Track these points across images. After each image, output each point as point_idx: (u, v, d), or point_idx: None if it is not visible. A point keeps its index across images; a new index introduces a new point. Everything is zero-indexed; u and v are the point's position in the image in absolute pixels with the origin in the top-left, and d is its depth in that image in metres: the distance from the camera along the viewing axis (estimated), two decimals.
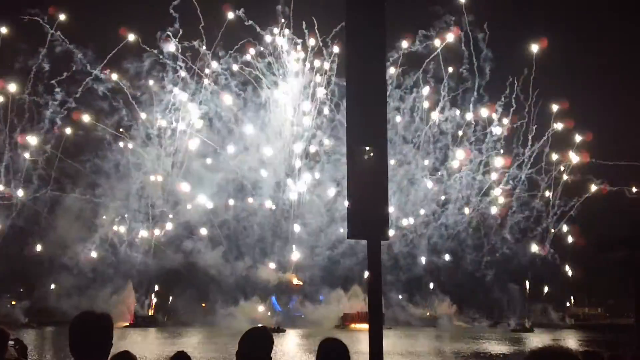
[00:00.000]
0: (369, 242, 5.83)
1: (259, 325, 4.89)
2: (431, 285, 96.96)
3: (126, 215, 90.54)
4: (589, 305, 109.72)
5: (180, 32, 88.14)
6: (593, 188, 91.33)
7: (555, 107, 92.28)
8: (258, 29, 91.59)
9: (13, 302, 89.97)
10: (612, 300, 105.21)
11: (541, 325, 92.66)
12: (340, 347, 4.67)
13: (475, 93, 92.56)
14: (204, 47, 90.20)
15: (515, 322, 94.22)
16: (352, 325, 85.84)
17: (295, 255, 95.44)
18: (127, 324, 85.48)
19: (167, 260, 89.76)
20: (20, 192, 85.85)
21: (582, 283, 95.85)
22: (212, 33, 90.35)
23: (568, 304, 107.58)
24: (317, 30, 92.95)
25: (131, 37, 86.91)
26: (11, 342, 5.04)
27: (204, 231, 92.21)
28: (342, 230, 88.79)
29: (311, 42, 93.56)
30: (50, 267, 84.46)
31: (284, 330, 78.85)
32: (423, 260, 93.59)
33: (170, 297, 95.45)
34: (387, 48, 6.05)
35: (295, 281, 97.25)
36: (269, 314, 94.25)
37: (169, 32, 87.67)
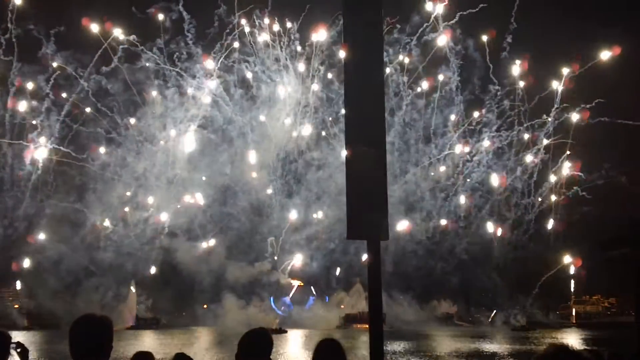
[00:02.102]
0: (368, 243, 5.83)
1: (258, 326, 4.91)
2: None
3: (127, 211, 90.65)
4: (590, 304, 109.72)
5: (168, 40, 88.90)
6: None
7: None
8: (247, 26, 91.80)
9: (16, 306, 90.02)
10: (613, 298, 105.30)
11: (542, 324, 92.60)
12: (335, 346, 4.75)
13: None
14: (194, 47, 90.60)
15: (513, 319, 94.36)
16: (357, 326, 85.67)
17: (298, 257, 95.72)
18: (129, 326, 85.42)
19: (162, 262, 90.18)
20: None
21: (583, 281, 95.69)
22: (204, 35, 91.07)
23: (569, 302, 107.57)
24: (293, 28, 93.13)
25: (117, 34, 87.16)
26: (13, 345, 5.06)
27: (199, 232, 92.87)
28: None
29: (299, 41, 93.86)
30: (43, 269, 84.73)
31: (285, 331, 78.89)
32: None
33: (168, 299, 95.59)
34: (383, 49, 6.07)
35: (295, 282, 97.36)
36: (280, 312, 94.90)
37: (160, 42, 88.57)
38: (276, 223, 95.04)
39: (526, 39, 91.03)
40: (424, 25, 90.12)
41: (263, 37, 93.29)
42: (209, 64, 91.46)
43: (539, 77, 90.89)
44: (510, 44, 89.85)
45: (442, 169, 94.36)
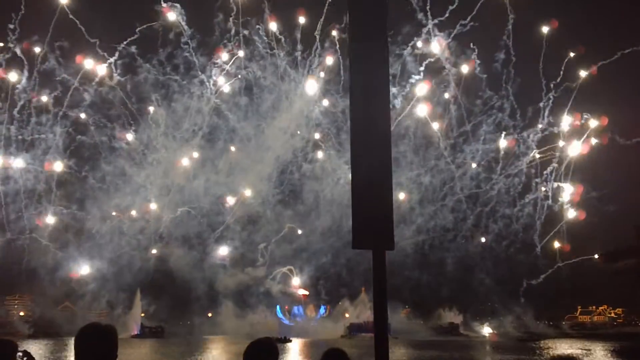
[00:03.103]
0: (374, 252, 5.83)
1: (264, 336, 4.91)
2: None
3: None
4: (596, 314, 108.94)
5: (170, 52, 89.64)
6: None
7: None
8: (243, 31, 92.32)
9: (22, 313, 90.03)
10: (619, 308, 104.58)
11: (547, 336, 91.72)
12: (342, 356, 4.81)
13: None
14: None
15: (514, 328, 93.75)
16: (363, 335, 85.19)
17: (303, 265, 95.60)
18: (134, 335, 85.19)
19: (158, 270, 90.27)
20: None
21: (589, 291, 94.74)
22: (205, 43, 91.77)
23: (575, 313, 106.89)
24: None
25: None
26: (19, 354, 5.07)
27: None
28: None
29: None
30: (47, 278, 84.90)
31: (290, 340, 78.72)
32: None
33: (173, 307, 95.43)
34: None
35: (301, 291, 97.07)
36: (287, 321, 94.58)
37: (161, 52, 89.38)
38: (270, 233, 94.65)
39: (520, 51, 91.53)
40: (415, 40, 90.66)
41: (262, 46, 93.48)
42: (211, 71, 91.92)
43: (531, 89, 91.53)
44: (504, 59, 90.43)
45: (428, 179, 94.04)
